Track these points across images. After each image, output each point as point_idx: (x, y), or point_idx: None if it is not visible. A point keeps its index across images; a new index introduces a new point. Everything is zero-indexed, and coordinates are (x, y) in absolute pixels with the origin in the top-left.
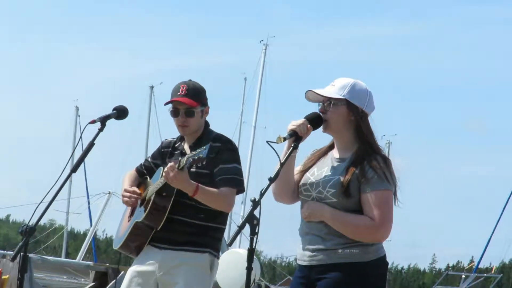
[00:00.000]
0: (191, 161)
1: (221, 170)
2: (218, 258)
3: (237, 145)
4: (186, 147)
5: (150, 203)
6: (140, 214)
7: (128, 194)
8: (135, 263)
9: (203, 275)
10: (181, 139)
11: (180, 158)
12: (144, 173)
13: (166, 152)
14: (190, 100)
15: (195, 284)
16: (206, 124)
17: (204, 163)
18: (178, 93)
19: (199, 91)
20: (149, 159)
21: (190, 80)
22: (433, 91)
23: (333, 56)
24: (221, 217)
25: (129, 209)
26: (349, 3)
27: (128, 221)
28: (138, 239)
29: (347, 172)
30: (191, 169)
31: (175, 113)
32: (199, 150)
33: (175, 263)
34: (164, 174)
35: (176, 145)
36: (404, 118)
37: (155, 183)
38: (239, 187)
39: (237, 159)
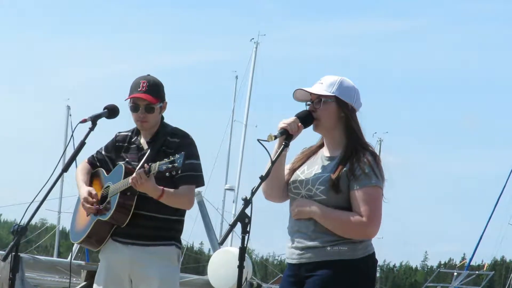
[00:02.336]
0: (164, 169)
1: None
2: (181, 249)
3: (228, 143)
4: (142, 141)
5: (116, 204)
6: (104, 213)
7: (87, 206)
8: (104, 263)
9: (173, 268)
10: (136, 133)
11: (151, 164)
12: (96, 165)
13: (121, 146)
14: (151, 97)
15: (168, 276)
16: (162, 118)
17: (179, 172)
18: (139, 89)
19: (159, 87)
20: (103, 152)
21: (149, 75)
22: (425, 89)
23: (324, 54)
24: (182, 210)
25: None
26: (340, 0)
27: (88, 215)
28: (100, 235)
29: (336, 169)
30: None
31: (135, 108)
32: (172, 158)
33: (146, 257)
34: (131, 180)
35: (132, 140)
36: (397, 116)
37: (118, 182)
38: (197, 183)
39: (194, 154)
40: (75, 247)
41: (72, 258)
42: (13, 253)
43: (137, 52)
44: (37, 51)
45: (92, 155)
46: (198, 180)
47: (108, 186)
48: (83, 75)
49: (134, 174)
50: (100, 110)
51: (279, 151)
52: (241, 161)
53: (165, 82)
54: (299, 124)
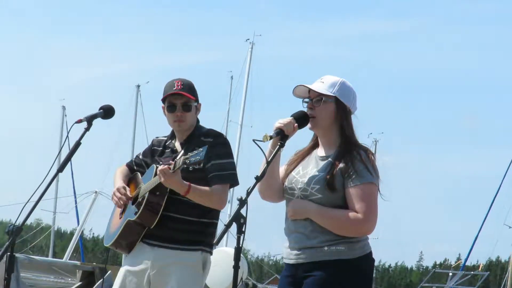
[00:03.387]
0: (187, 163)
1: (214, 166)
2: (211, 253)
3: None
4: (177, 144)
5: (144, 202)
6: (133, 213)
7: (118, 195)
8: (127, 261)
9: (195, 275)
10: (171, 137)
11: (176, 159)
12: (134, 169)
13: (156, 150)
14: (188, 94)
15: (186, 284)
16: (197, 121)
17: (201, 165)
18: (174, 88)
19: (193, 87)
20: (140, 156)
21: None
22: (424, 89)
23: (321, 54)
24: (214, 212)
25: None
26: (336, 0)
27: (120, 218)
28: (130, 237)
29: (331, 168)
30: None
31: (171, 108)
32: (195, 152)
33: (167, 262)
34: (158, 173)
35: (167, 143)
36: (396, 116)
37: (148, 182)
38: (232, 182)
39: (229, 153)
40: (70, 247)
41: (68, 258)
42: (8, 253)
43: (133, 52)
44: (33, 51)
45: (131, 160)
46: (231, 178)
47: (140, 187)
48: (78, 75)
49: (159, 168)
50: (95, 110)
51: (274, 151)
52: (236, 161)
53: (161, 83)
54: (295, 124)
